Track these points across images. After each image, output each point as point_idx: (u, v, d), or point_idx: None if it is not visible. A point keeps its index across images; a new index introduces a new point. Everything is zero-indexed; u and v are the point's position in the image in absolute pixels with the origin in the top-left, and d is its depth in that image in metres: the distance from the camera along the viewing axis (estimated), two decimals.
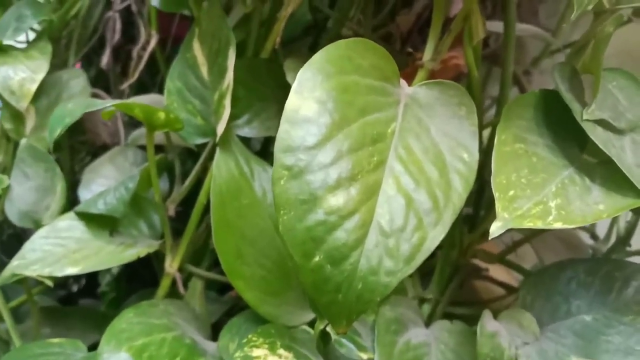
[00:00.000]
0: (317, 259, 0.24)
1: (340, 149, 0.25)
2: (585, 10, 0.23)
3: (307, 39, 0.57)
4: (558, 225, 0.25)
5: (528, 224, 0.25)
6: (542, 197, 0.26)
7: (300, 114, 0.25)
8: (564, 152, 0.29)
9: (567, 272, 0.34)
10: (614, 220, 0.45)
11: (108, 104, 0.35)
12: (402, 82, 0.30)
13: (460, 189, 0.26)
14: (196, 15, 0.41)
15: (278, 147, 0.24)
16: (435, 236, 0.25)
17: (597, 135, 0.27)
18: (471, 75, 0.32)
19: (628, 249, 0.44)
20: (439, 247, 0.39)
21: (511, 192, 0.26)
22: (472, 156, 0.27)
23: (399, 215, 0.25)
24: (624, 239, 0.43)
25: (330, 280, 0.24)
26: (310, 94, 0.25)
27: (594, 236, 0.50)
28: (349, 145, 0.25)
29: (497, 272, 0.52)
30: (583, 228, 0.52)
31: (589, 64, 0.30)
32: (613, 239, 0.45)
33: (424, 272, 0.42)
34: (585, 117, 0.28)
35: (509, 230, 0.45)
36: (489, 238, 0.24)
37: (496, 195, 0.25)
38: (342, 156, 0.25)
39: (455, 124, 0.27)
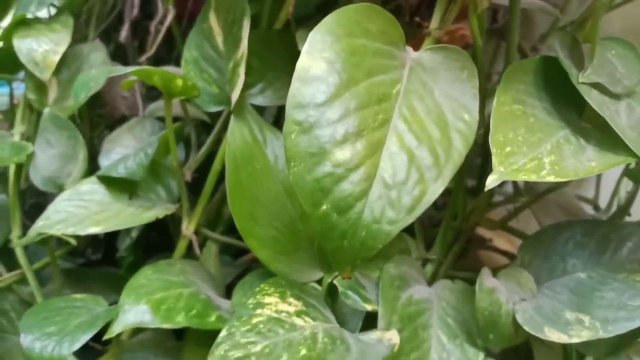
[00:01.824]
0: (324, 207, 0.26)
1: (347, 107, 0.27)
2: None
3: (319, 17, 0.58)
4: (551, 178, 0.26)
5: (522, 177, 0.26)
6: (537, 154, 0.27)
7: (311, 72, 0.27)
8: (562, 115, 0.30)
9: (564, 233, 0.35)
10: (615, 191, 0.47)
11: (128, 69, 0.37)
12: (408, 47, 0.31)
13: (461, 147, 0.28)
14: None
15: (289, 104, 0.26)
16: (436, 189, 0.27)
17: (593, 97, 0.29)
18: (475, 43, 0.34)
19: (628, 218, 0.45)
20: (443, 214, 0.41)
21: (508, 149, 0.27)
22: (472, 117, 0.28)
23: (402, 170, 0.27)
24: (624, 209, 0.45)
25: (336, 227, 0.26)
26: (320, 54, 0.27)
27: (596, 207, 0.51)
28: (355, 103, 0.27)
29: (501, 242, 0.54)
30: (586, 199, 0.53)
31: (587, 35, 0.31)
32: (614, 209, 0.47)
33: (428, 239, 0.43)
34: (581, 80, 0.29)
35: (510, 200, 0.47)
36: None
37: (493, 151, 0.27)
38: (349, 113, 0.26)
39: (458, 87, 0.29)
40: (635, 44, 0.62)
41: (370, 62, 0.28)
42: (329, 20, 0.27)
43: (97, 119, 0.64)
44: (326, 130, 0.26)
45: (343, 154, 0.26)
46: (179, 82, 0.38)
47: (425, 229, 0.53)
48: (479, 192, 0.44)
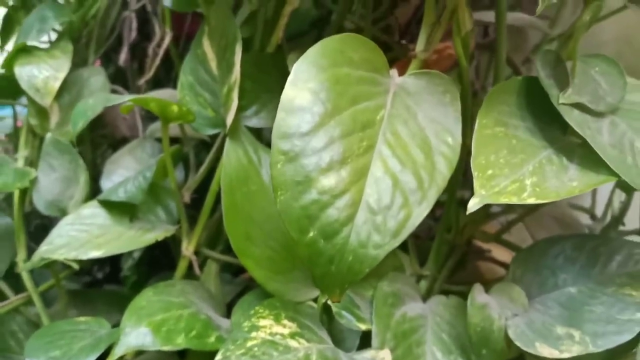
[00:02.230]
0: (311, 234, 0.26)
1: (332, 135, 0.27)
2: (550, 2, 0.25)
3: (313, 33, 0.59)
4: (532, 200, 0.27)
5: (504, 200, 0.27)
6: (519, 176, 0.28)
7: (295, 103, 0.27)
8: (545, 135, 0.31)
9: (555, 247, 0.36)
10: (609, 202, 0.47)
11: (126, 98, 0.38)
12: (393, 72, 0.32)
13: (445, 170, 0.28)
14: (206, 13, 0.43)
15: (275, 134, 0.27)
16: (420, 213, 0.27)
17: (573, 118, 0.29)
18: (461, 64, 0.34)
19: (622, 228, 0.45)
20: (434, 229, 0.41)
21: (489, 172, 0.28)
22: (455, 140, 0.29)
23: (386, 195, 0.27)
24: (618, 219, 0.45)
25: (323, 253, 0.26)
26: (304, 85, 0.28)
27: (593, 216, 0.52)
28: (340, 131, 0.28)
29: (500, 253, 0.54)
30: (582, 208, 0.53)
31: (571, 52, 0.32)
32: (609, 219, 0.47)
33: (423, 253, 0.44)
34: (561, 100, 0.30)
35: (506, 212, 0.48)
36: (467, 213, 0.27)
37: (475, 174, 0.28)
38: (333, 141, 0.27)
39: (441, 110, 0.30)
40: (629, 51, 0.63)
41: (354, 90, 0.29)
42: (313, 52, 0.28)
43: (100, 139, 0.65)
44: (311, 159, 0.27)
45: (328, 181, 0.27)
46: (175, 108, 0.39)
47: (422, 241, 0.54)
48: None
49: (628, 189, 0.41)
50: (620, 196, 0.46)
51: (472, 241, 0.48)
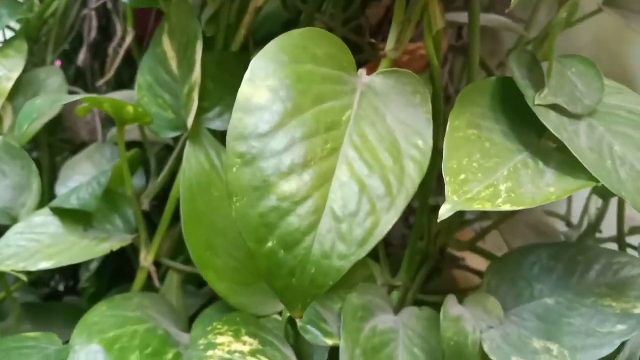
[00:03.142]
0: (270, 244, 0.24)
1: (293, 136, 0.25)
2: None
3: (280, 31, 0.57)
4: (506, 207, 0.25)
5: (477, 206, 0.25)
6: (493, 180, 0.26)
7: (253, 101, 0.25)
8: (520, 138, 0.29)
9: (530, 256, 0.34)
10: (585, 208, 0.46)
11: (75, 98, 0.36)
12: (361, 71, 0.30)
13: (414, 174, 0.26)
14: (165, 10, 0.41)
15: (230, 135, 0.25)
16: (388, 220, 0.25)
17: (550, 120, 0.28)
18: (432, 64, 0.33)
19: (598, 235, 0.44)
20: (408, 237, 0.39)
21: (462, 176, 0.26)
22: (426, 143, 0.27)
23: (352, 201, 0.25)
24: (594, 226, 0.44)
25: (283, 265, 0.24)
26: (262, 83, 0.26)
27: (569, 223, 0.51)
28: (302, 132, 0.25)
29: (475, 261, 0.53)
30: (558, 215, 0.52)
31: (546, 53, 0.30)
32: (585, 226, 0.46)
33: (396, 262, 0.42)
34: (537, 101, 0.28)
35: (480, 219, 0.46)
36: (438, 220, 0.25)
37: (446, 179, 0.26)
38: (295, 143, 0.25)
39: (410, 112, 0.28)
40: (605, 54, 0.62)
41: (318, 88, 0.27)
42: (272, 46, 0.26)
43: (60, 144, 0.62)
44: (270, 162, 0.25)
45: (289, 186, 0.25)
46: (130, 109, 0.37)
47: (395, 249, 0.52)
48: None
49: (605, 195, 0.40)
50: (596, 202, 0.45)
51: (446, 249, 0.46)
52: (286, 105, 0.25)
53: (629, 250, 0.43)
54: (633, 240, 0.44)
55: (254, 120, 0.25)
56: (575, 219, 0.51)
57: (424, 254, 0.40)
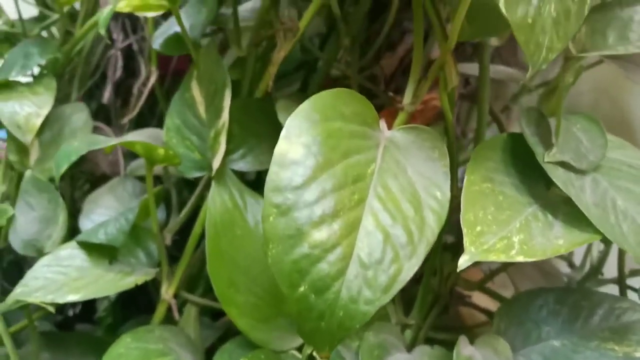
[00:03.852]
0: (302, 289, 0.26)
1: (324, 188, 0.27)
2: (540, 69, 0.26)
3: (299, 73, 0.60)
4: (520, 258, 0.27)
5: (493, 258, 0.27)
6: (507, 233, 0.28)
7: (288, 157, 0.28)
8: (530, 190, 0.31)
9: (538, 300, 0.36)
10: (588, 250, 0.48)
11: (111, 142, 0.38)
12: (382, 124, 0.33)
13: (434, 224, 0.29)
14: (195, 58, 0.44)
15: (268, 187, 0.27)
16: (410, 267, 0.27)
17: (558, 176, 0.30)
18: (446, 118, 0.35)
19: (600, 277, 0.46)
20: (421, 276, 0.41)
21: (478, 228, 0.28)
22: (444, 195, 0.29)
23: (377, 249, 0.27)
24: (597, 268, 0.46)
25: (314, 308, 0.26)
26: (297, 139, 0.28)
27: (571, 264, 0.53)
28: (332, 184, 0.28)
29: (482, 299, 0.55)
30: (561, 257, 0.54)
31: (553, 108, 0.33)
32: (587, 267, 0.48)
33: (408, 299, 0.44)
34: (546, 159, 0.30)
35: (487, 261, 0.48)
36: (457, 270, 0.27)
37: (464, 231, 0.28)
38: (325, 195, 0.27)
39: (430, 165, 0.30)
40: (606, 99, 0.65)
41: (346, 143, 0.29)
42: (305, 106, 0.29)
43: (78, 173, 0.64)
44: (303, 212, 0.27)
45: (320, 235, 0.27)
46: (161, 151, 0.39)
47: (406, 285, 0.54)
48: (457, 248, 0.45)
49: (607, 241, 0.42)
50: (598, 246, 0.47)
51: (455, 288, 0.48)
52: (318, 159, 0.28)
53: (630, 292, 0.45)
54: (634, 282, 0.46)
55: (289, 174, 0.27)
56: (577, 259, 0.53)
57: (435, 294, 0.42)
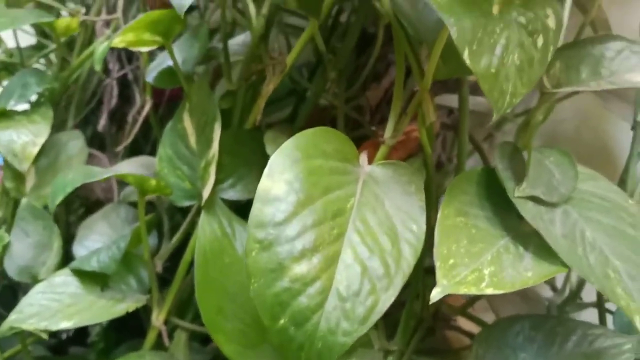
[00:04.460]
0: (282, 321, 0.27)
1: (305, 224, 0.29)
2: (505, 113, 0.28)
3: (290, 99, 0.62)
4: (489, 290, 0.29)
5: (464, 290, 0.29)
6: (478, 265, 0.30)
7: (271, 193, 0.29)
8: (503, 223, 0.33)
9: (515, 326, 0.37)
10: (568, 275, 0.49)
11: (105, 173, 0.40)
12: (363, 159, 0.34)
13: (410, 257, 0.30)
14: (187, 90, 0.45)
15: (251, 223, 0.28)
16: (387, 299, 0.29)
17: (527, 210, 0.32)
18: (425, 152, 0.37)
19: (579, 301, 0.48)
20: (403, 302, 0.43)
21: (451, 261, 0.30)
22: (420, 228, 0.31)
23: (355, 282, 0.29)
24: (575, 293, 0.47)
25: (294, 340, 0.28)
26: (280, 177, 0.29)
27: (553, 287, 0.54)
28: (312, 220, 0.29)
29: (468, 322, 0.56)
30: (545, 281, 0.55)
31: (524, 144, 0.35)
32: (567, 292, 0.49)
33: (393, 323, 0.45)
34: (516, 194, 0.32)
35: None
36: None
37: (437, 264, 0.29)
38: (306, 230, 0.29)
39: (406, 199, 0.32)
40: (586, 126, 0.67)
41: (327, 180, 0.31)
42: (288, 144, 0.30)
43: (73, 198, 0.65)
44: (285, 247, 0.28)
45: (300, 269, 0.28)
46: (152, 182, 0.41)
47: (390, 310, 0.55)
48: None
49: None
50: None
51: (439, 312, 0.49)
52: (299, 196, 0.29)
53: (608, 315, 0.46)
54: (613, 306, 0.47)
55: (272, 210, 0.29)
56: (560, 282, 0.54)
57: (418, 319, 0.43)
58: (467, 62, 0.26)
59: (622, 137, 0.58)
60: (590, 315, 0.48)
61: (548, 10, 0.28)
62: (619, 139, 0.61)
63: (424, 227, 0.31)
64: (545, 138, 0.63)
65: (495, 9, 0.27)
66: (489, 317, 0.54)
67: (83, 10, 0.59)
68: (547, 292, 0.55)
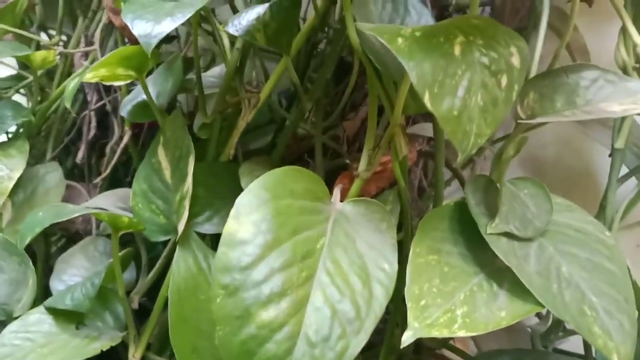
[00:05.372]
0: None
1: (272, 267, 0.28)
2: (470, 154, 0.27)
3: (268, 128, 0.61)
4: (462, 333, 0.28)
5: (435, 333, 0.28)
6: (451, 305, 0.29)
7: (237, 236, 0.28)
8: (477, 259, 0.32)
9: None
10: None
11: (76, 211, 0.39)
12: (335, 195, 0.34)
13: (381, 297, 0.29)
14: (161, 124, 0.45)
15: (216, 268, 0.28)
16: (358, 343, 0.28)
17: (500, 247, 0.31)
18: (399, 185, 0.36)
19: (563, 329, 0.47)
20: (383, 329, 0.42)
21: (423, 302, 0.29)
22: (392, 267, 0.30)
23: (325, 326, 0.28)
24: (559, 321, 0.46)
25: None
26: (246, 218, 0.29)
27: (537, 315, 0.53)
28: (280, 263, 0.29)
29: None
30: None
31: (498, 177, 0.34)
32: (551, 319, 0.49)
33: (372, 355, 0.44)
34: (489, 231, 0.32)
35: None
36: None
37: (409, 305, 0.29)
38: (273, 273, 0.28)
39: (378, 237, 0.31)
40: (568, 150, 0.67)
41: (296, 220, 0.30)
42: (256, 185, 0.30)
43: (55, 230, 0.64)
44: (251, 292, 0.28)
45: (267, 315, 0.27)
46: (125, 219, 0.40)
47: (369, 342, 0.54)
48: None
49: None
50: None
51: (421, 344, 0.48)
52: (267, 238, 0.29)
53: None
54: None
55: (237, 254, 0.28)
56: (544, 310, 0.53)
57: (399, 353, 0.42)
58: (428, 105, 0.25)
59: (604, 161, 0.58)
60: (576, 342, 0.47)
61: (512, 49, 0.28)
62: (600, 163, 0.61)
63: (395, 266, 0.30)
64: (526, 163, 0.63)
65: (457, 50, 0.27)
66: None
67: (62, 42, 0.59)
68: (532, 320, 0.54)
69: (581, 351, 0.46)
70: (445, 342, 0.44)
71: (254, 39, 0.36)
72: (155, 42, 0.33)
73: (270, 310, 0.27)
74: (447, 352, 0.55)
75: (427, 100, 0.25)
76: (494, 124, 0.27)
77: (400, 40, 0.26)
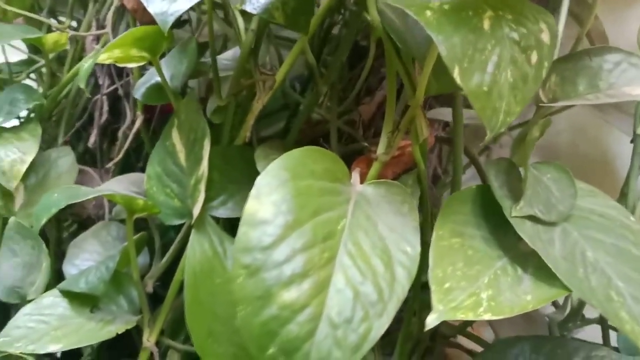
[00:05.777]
0: (271, 351, 0.26)
1: (293, 248, 0.28)
2: (499, 132, 0.27)
3: (282, 113, 0.61)
4: (487, 316, 0.27)
5: (460, 316, 0.27)
6: (475, 289, 0.28)
7: (258, 216, 0.28)
8: (500, 243, 0.32)
9: (514, 349, 0.36)
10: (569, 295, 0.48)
11: (91, 193, 0.38)
12: (355, 178, 0.33)
13: (404, 280, 0.29)
14: (175, 107, 0.44)
15: (237, 248, 0.27)
16: (381, 326, 0.28)
17: (525, 230, 0.31)
18: (419, 168, 0.36)
19: (582, 318, 0.46)
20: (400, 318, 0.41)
21: (447, 285, 0.29)
22: (414, 249, 0.30)
23: (347, 308, 0.28)
24: (577, 309, 0.46)
25: None
26: (267, 198, 0.28)
27: (555, 304, 0.53)
28: (301, 243, 0.28)
29: (467, 339, 0.54)
30: None
31: (521, 160, 0.34)
32: (569, 308, 0.48)
33: (389, 342, 0.44)
34: (513, 214, 0.31)
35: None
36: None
37: (432, 288, 0.28)
38: (295, 254, 0.28)
39: (400, 220, 0.31)
40: (583, 138, 0.66)
41: (316, 201, 0.29)
42: (275, 165, 0.29)
43: (67, 216, 0.64)
44: (272, 273, 0.27)
45: (289, 296, 0.27)
46: (140, 202, 0.39)
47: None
48: None
49: None
50: None
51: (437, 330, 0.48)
52: (287, 218, 0.28)
53: (612, 332, 0.45)
54: None
55: (258, 234, 0.27)
56: (561, 299, 0.53)
57: (416, 340, 0.42)
58: (458, 80, 0.25)
59: (621, 149, 0.57)
60: (593, 332, 0.47)
61: (542, 25, 0.27)
62: (617, 150, 0.60)
63: (418, 248, 0.30)
64: (540, 150, 0.62)
65: (486, 25, 0.26)
66: (489, 332, 0.53)
67: (74, 24, 0.58)
68: (549, 309, 0.53)
69: (597, 341, 0.46)
70: (462, 329, 0.44)
71: (272, 17, 0.35)
72: (171, 20, 0.33)
73: (292, 291, 0.27)
74: (462, 340, 0.54)
75: (456, 74, 0.25)
76: (523, 102, 0.27)
77: (428, 12, 0.25)
